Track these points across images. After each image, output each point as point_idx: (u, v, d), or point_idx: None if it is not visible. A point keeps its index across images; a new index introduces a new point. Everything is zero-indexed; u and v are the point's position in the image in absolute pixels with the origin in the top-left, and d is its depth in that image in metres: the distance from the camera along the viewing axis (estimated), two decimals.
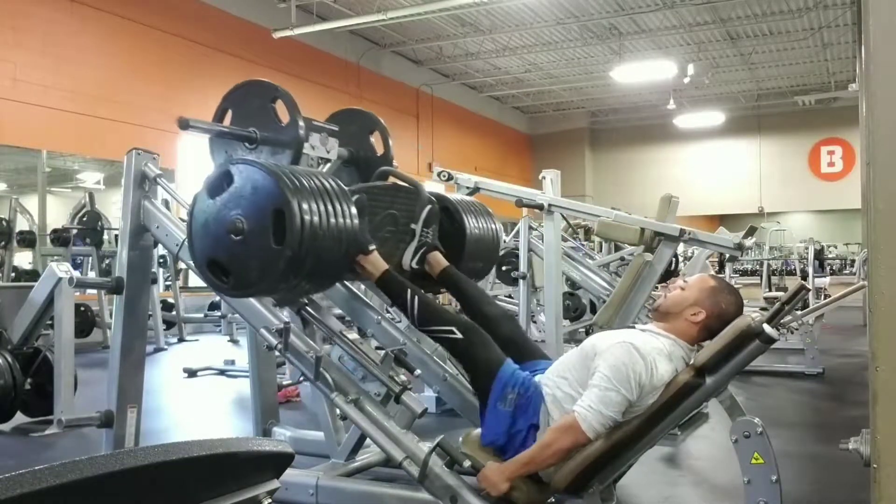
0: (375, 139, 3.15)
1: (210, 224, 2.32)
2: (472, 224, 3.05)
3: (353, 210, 2.40)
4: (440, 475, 2.25)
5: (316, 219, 2.24)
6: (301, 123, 2.67)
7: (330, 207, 2.30)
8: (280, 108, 2.70)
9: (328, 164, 2.93)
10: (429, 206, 2.85)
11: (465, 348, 2.43)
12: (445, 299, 4.14)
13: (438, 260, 2.82)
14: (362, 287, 3.26)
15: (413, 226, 2.82)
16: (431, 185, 3.57)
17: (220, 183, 2.33)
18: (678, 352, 2.25)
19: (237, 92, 2.78)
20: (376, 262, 2.54)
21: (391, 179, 2.95)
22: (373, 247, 2.54)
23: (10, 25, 8.93)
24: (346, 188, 2.45)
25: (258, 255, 2.26)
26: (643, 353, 2.15)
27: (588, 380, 2.19)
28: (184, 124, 2.56)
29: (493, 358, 2.41)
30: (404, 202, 2.85)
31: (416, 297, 2.49)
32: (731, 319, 2.19)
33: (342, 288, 2.86)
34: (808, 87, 18.00)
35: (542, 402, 2.28)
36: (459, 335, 2.40)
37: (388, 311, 3.33)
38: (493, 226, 3.18)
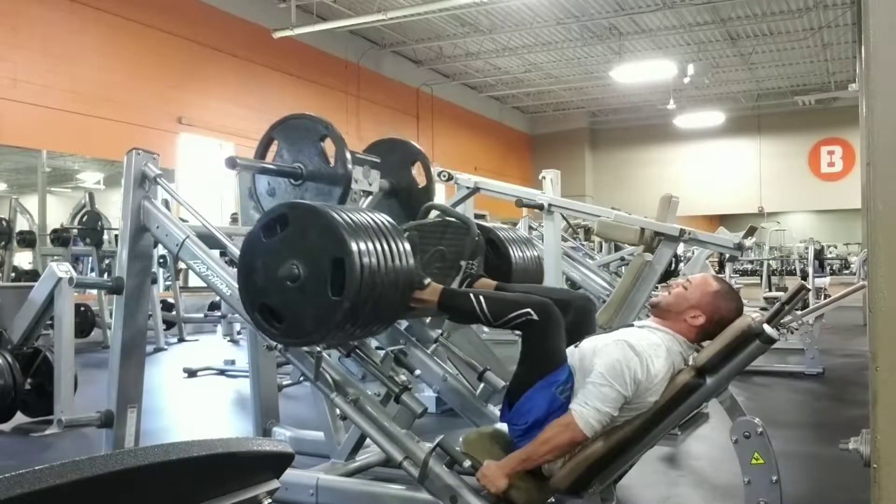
0: (417, 170, 3.13)
1: (264, 267, 2.24)
2: (517, 254, 3.04)
3: (408, 247, 2.33)
4: (440, 475, 2.25)
5: (374, 264, 2.16)
6: (349, 161, 2.63)
7: (387, 249, 2.22)
8: (328, 143, 2.68)
9: (370, 197, 2.91)
10: (475, 239, 2.82)
11: (541, 330, 2.29)
12: None
13: (487, 283, 2.75)
14: None
15: (462, 262, 2.77)
16: (438, 193, 3.55)
17: (275, 225, 2.24)
18: (676, 347, 2.25)
19: (284, 123, 2.75)
20: (433, 290, 2.44)
21: (435, 213, 2.92)
22: (428, 280, 2.44)
23: (10, 25, 8.93)
24: (398, 227, 2.38)
25: (314, 305, 2.16)
26: (638, 350, 2.16)
27: (585, 379, 2.19)
28: (231, 163, 2.53)
29: (562, 349, 2.32)
30: (452, 238, 2.82)
31: (482, 297, 2.40)
32: (729, 325, 2.19)
33: None
34: (808, 87, 18.01)
35: None
36: (536, 317, 2.27)
37: None
38: (536, 253, 3.18)
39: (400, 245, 2.29)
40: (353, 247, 2.12)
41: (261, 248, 2.26)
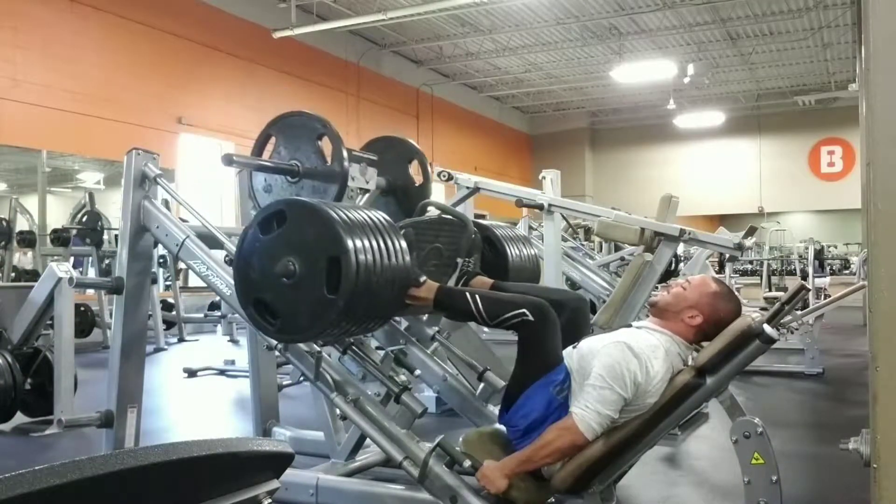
0: (414, 168, 3.13)
1: (260, 263, 2.25)
2: (513, 252, 3.04)
3: (404, 244, 2.33)
4: (440, 475, 2.25)
5: (370, 262, 2.16)
6: (346, 159, 2.64)
7: (383, 247, 2.22)
8: (325, 142, 2.68)
9: (366, 195, 2.91)
10: (471, 237, 2.83)
11: (537, 331, 2.30)
12: None
13: (483, 281, 2.76)
14: None
15: (458, 259, 2.77)
16: (438, 193, 3.56)
17: (272, 221, 2.25)
18: (674, 348, 2.25)
19: (282, 120, 2.76)
20: (429, 287, 2.44)
21: (433, 210, 2.93)
22: (424, 278, 2.45)
23: (10, 25, 8.93)
24: (395, 224, 2.39)
25: (309, 302, 2.17)
26: (637, 351, 2.16)
27: (584, 381, 2.19)
28: (228, 161, 2.54)
29: (559, 349, 2.33)
30: (448, 235, 2.82)
31: (477, 296, 2.40)
32: (726, 326, 2.19)
33: None
34: (808, 87, 18.01)
35: None
36: (531, 317, 2.27)
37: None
38: (533, 251, 3.19)
39: (396, 242, 2.30)
40: (350, 245, 2.12)
41: (257, 243, 2.27)
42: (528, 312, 2.27)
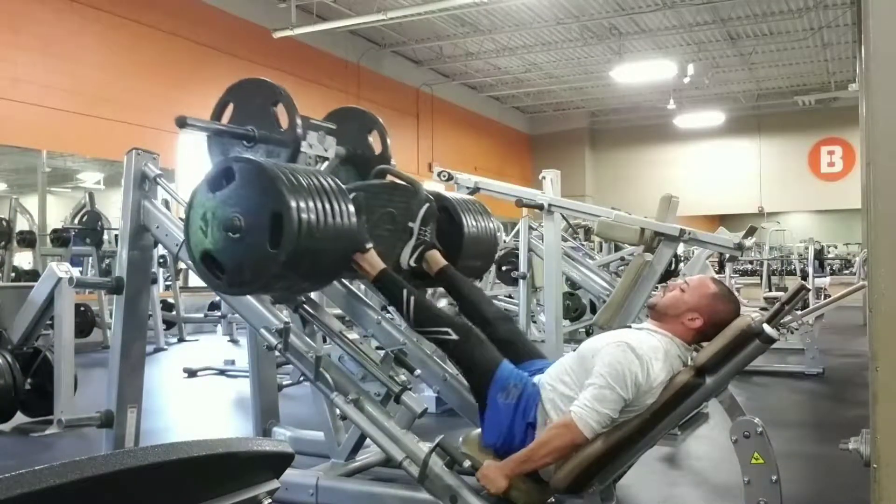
0: (374, 138, 3.15)
1: (208, 218, 2.33)
2: (470, 223, 3.05)
3: (351, 208, 2.39)
4: (440, 475, 2.25)
5: (314, 219, 2.24)
6: (299, 125, 2.67)
7: (328, 206, 2.30)
8: (280, 109, 2.70)
9: (326, 163, 2.93)
10: (427, 205, 2.85)
11: (462, 349, 2.44)
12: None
13: (437, 259, 2.82)
14: (362, 287, 3.26)
15: (411, 224, 2.81)
16: (431, 185, 3.57)
17: (220, 178, 2.33)
18: (674, 350, 2.25)
19: (240, 87, 2.78)
20: (373, 262, 2.54)
21: (389, 177, 2.95)
22: (370, 245, 2.53)
23: (10, 25, 8.93)
24: (343, 186, 2.45)
25: (253, 256, 2.25)
26: (639, 353, 2.16)
27: (585, 381, 2.19)
28: (181, 122, 2.56)
29: (491, 358, 2.42)
30: (402, 200, 2.85)
31: (412, 298, 2.50)
32: (726, 326, 2.19)
33: (341, 287, 2.86)
34: (808, 87, 18.00)
35: (539, 401, 2.29)
36: (455, 336, 2.41)
37: (388, 311, 3.33)
38: (491, 224, 3.18)
39: (342, 205, 2.36)
40: (292, 200, 2.19)
41: (206, 199, 2.34)
42: (451, 331, 2.42)
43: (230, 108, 2.78)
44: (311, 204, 2.25)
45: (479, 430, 2.49)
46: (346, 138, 3.06)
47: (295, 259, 2.22)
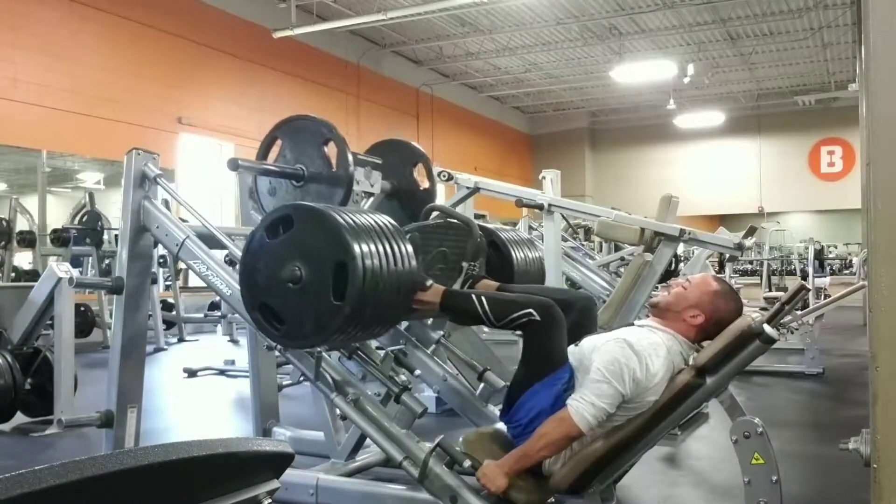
0: (419, 172, 3.13)
1: (266, 267, 2.23)
2: (518, 256, 3.05)
3: (410, 249, 2.32)
4: (440, 475, 2.25)
5: (377, 267, 2.15)
6: (351, 163, 2.64)
7: (389, 251, 2.21)
8: (331, 147, 2.69)
9: (372, 199, 2.92)
10: (477, 241, 2.83)
11: (544, 331, 2.32)
12: None
13: (488, 284, 2.76)
14: None
15: (464, 263, 2.77)
16: (438, 193, 3.56)
17: (277, 225, 2.24)
18: (676, 347, 2.25)
19: (288, 123, 2.76)
20: (435, 291, 2.45)
21: (437, 214, 2.93)
22: (430, 282, 2.45)
23: (10, 25, 8.93)
24: (400, 228, 2.39)
25: (316, 308, 2.16)
26: (637, 349, 2.16)
27: (584, 376, 2.19)
28: (234, 166, 2.54)
29: (565, 349, 2.34)
30: (454, 239, 2.82)
31: (483, 298, 2.41)
32: (728, 325, 2.19)
33: None
34: (808, 87, 18.01)
35: None
36: (538, 317, 2.29)
37: None
38: (538, 255, 3.19)
39: (402, 247, 2.29)
40: (356, 251, 2.11)
41: (264, 247, 2.25)
42: (534, 312, 2.29)
43: (278, 143, 2.76)
44: (373, 249, 2.16)
45: (478, 430, 2.49)
46: (390, 171, 3.03)
47: (359, 309, 2.14)
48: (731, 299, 2.30)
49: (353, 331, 2.23)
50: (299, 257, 2.18)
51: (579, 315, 2.54)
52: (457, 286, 2.73)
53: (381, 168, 2.94)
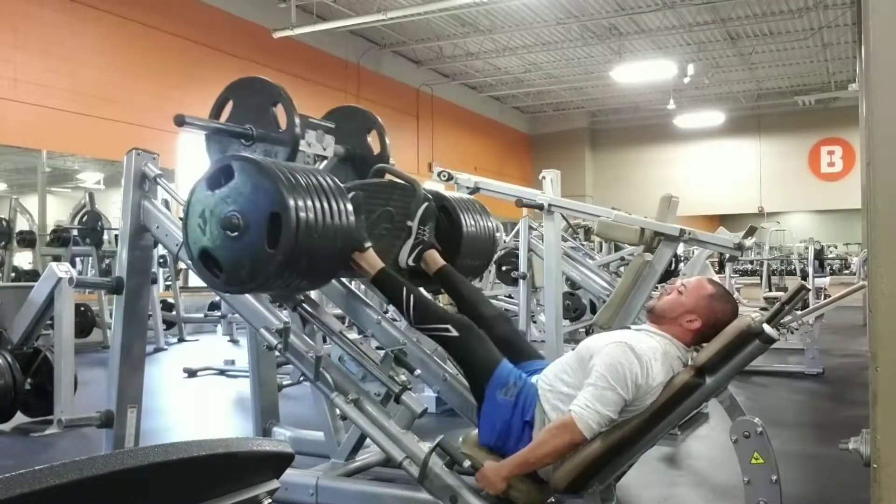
0: (372, 138, 3.15)
1: (206, 216, 2.32)
2: (468, 222, 3.04)
3: (350, 207, 2.39)
4: (440, 475, 2.25)
5: (312, 219, 2.23)
6: (298, 124, 2.67)
7: (326, 206, 2.29)
8: (280, 108, 2.71)
9: (324, 162, 2.93)
10: (425, 204, 2.85)
11: (462, 346, 2.44)
12: (445, 300, 4.13)
13: (435, 259, 2.81)
14: (362, 287, 3.25)
15: (409, 223, 2.81)
16: (430, 184, 3.57)
17: (219, 176, 2.32)
18: (673, 351, 2.25)
19: (239, 85, 2.79)
20: (372, 260, 2.55)
21: (387, 176, 2.95)
22: (368, 244, 2.54)
23: (10, 25, 8.93)
24: (342, 185, 2.44)
25: (251, 256, 2.25)
26: (638, 353, 2.16)
27: (584, 380, 2.19)
28: (180, 121, 2.56)
29: (491, 356, 2.42)
30: (400, 199, 2.85)
31: (412, 296, 2.50)
32: (725, 327, 2.19)
33: (340, 287, 2.86)
34: (808, 87, 18.01)
35: (537, 401, 2.29)
36: (455, 333, 2.41)
37: (388, 311, 3.33)
38: (490, 223, 3.17)
39: (341, 204, 2.35)
40: (291, 202, 2.19)
41: (204, 197, 2.33)
42: (451, 328, 2.42)
43: (229, 105, 2.78)
44: (309, 203, 2.24)
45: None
46: (344, 137, 3.07)
47: (293, 259, 2.22)
48: (726, 302, 2.30)
49: (289, 279, 2.31)
50: (237, 206, 2.26)
51: (503, 329, 2.66)
52: (406, 249, 2.79)
53: (335, 133, 2.96)
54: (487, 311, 2.72)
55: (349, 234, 2.40)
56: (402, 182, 2.90)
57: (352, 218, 2.39)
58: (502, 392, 2.31)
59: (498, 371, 2.36)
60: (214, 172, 2.34)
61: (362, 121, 3.19)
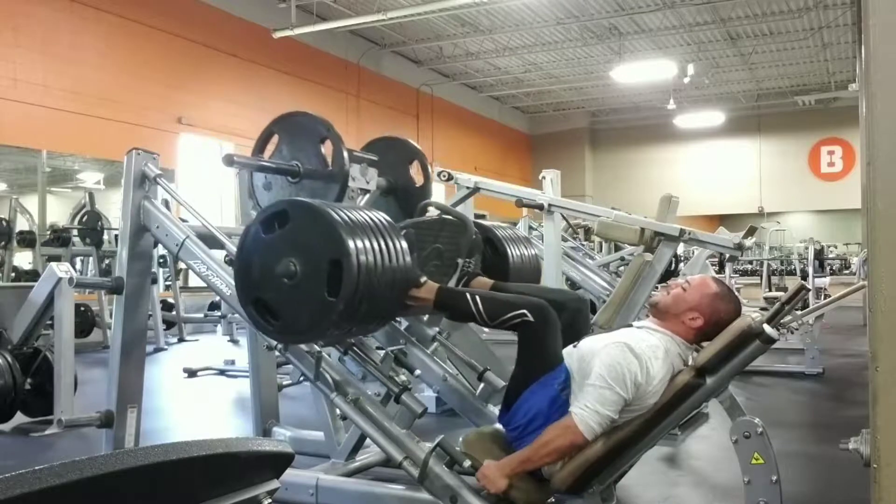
0: (415, 169, 3.14)
1: (261, 262, 2.24)
2: (514, 253, 3.05)
3: (405, 245, 2.33)
4: (440, 475, 2.25)
5: (371, 262, 2.15)
6: (346, 160, 2.65)
7: (384, 247, 2.22)
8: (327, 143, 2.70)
9: (367, 195, 2.92)
10: (471, 237, 2.82)
11: (539, 332, 2.30)
12: None
13: (483, 282, 2.76)
14: None
15: (458, 260, 2.77)
16: (436, 187, 3.56)
17: (273, 221, 2.24)
18: (675, 348, 2.25)
19: (285, 119, 2.78)
20: (429, 288, 2.44)
21: (434, 211, 2.94)
22: (424, 278, 2.45)
23: (10, 25, 8.92)
24: (395, 225, 2.38)
25: (310, 304, 2.16)
26: (637, 352, 2.16)
27: (584, 381, 2.19)
28: (229, 161, 2.54)
29: (559, 350, 2.33)
30: (449, 236, 2.82)
31: (478, 297, 2.40)
32: (727, 326, 2.19)
33: None
34: (808, 87, 18.01)
35: None
36: (531, 318, 2.27)
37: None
38: (534, 252, 3.20)
39: (397, 243, 2.29)
40: (351, 247, 2.11)
41: (259, 242, 2.26)
42: (528, 313, 2.27)
43: (274, 138, 2.76)
44: (368, 246, 2.16)
45: (478, 430, 2.48)
46: (386, 169, 3.04)
47: (353, 305, 2.14)
48: (729, 301, 2.30)
49: (347, 326, 2.24)
50: (294, 253, 2.18)
51: (571, 316, 2.53)
52: (452, 283, 2.72)
53: (377, 165, 2.94)
54: (557, 296, 2.62)
55: (406, 274, 2.32)
56: (451, 218, 2.88)
57: (408, 258, 2.32)
58: (560, 388, 2.24)
59: (561, 367, 2.28)
60: (268, 217, 2.26)
61: (404, 151, 3.18)
